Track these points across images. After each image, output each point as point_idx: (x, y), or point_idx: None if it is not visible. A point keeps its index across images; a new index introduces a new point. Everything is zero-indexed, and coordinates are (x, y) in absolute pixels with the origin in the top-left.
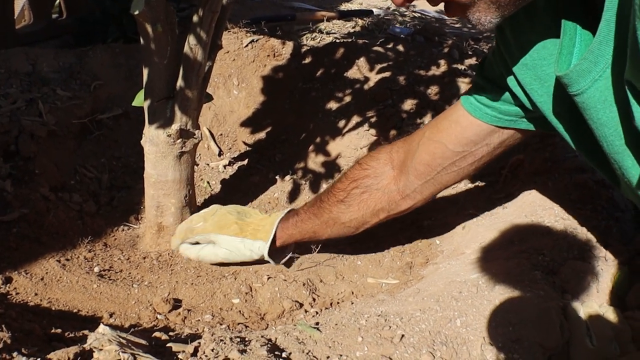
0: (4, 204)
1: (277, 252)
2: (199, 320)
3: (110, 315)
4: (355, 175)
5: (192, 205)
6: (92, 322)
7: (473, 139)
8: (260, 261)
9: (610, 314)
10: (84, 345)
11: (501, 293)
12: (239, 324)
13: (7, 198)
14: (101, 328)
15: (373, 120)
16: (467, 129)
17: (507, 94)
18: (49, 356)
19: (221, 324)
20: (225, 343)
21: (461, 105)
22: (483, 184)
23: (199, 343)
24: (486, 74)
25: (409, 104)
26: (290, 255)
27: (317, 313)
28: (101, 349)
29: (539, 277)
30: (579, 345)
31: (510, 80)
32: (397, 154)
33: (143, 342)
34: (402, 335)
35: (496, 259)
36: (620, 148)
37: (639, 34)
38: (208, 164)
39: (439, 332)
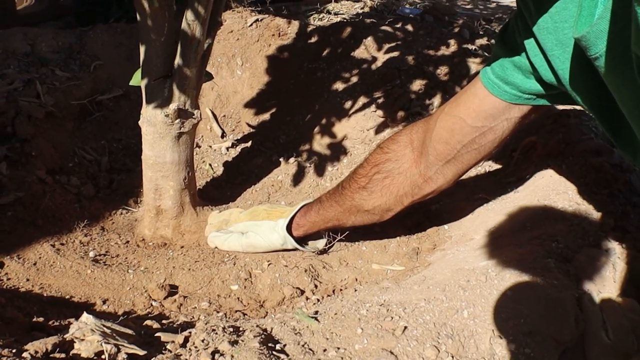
0: (0, 187)
1: (306, 240)
2: (195, 307)
3: (104, 302)
4: (377, 160)
5: (191, 188)
6: (85, 308)
7: (492, 112)
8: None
9: (628, 305)
10: (65, 336)
11: (512, 282)
12: (236, 311)
13: (3, 181)
14: (84, 317)
15: (380, 101)
16: (485, 102)
17: (527, 64)
18: (25, 347)
19: (218, 312)
20: (216, 333)
21: (480, 80)
22: (493, 167)
23: (190, 333)
24: (507, 42)
25: (417, 85)
26: (325, 241)
27: (318, 300)
28: (83, 339)
29: (553, 265)
30: (595, 339)
31: (531, 49)
32: (417, 135)
33: (129, 332)
34: (405, 327)
35: (507, 246)
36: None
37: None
38: (210, 146)
39: (445, 324)
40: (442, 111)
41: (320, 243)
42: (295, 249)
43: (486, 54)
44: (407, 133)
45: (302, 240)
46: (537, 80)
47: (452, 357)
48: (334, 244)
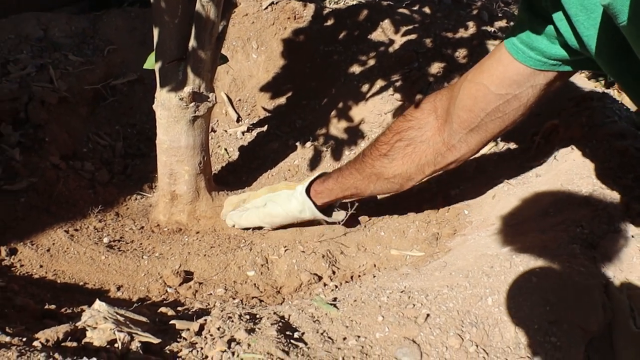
0: (13, 173)
1: (326, 211)
2: (211, 294)
3: (118, 288)
4: (399, 127)
5: (206, 173)
6: (99, 295)
7: (516, 79)
8: (312, 222)
9: None
10: (77, 324)
11: (537, 269)
12: (253, 298)
13: (16, 167)
14: (97, 304)
15: (398, 84)
16: (509, 69)
17: (552, 30)
18: (36, 335)
19: (234, 298)
20: (233, 321)
21: (504, 46)
22: (514, 150)
23: (205, 320)
24: (532, 5)
25: (436, 68)
26: (344, 213)
27: (336, 287)
28: (95, 328)
29: (578, 252)
30: (623, 328)
31: (557, 14)
32: (441, 102)
33: (143, 319)
34: (427, 315)
35: (530, 231)
36: None
37: None
38: (226, 131)
39: (469, 312)
40: (465, 78)
41: (340, 215)
42: (314, 219)
43: (504, 37)
44: (431, 100)
45: (320, 211)
46: (562, 45)
47: (477, 346)
48: (355, 208)
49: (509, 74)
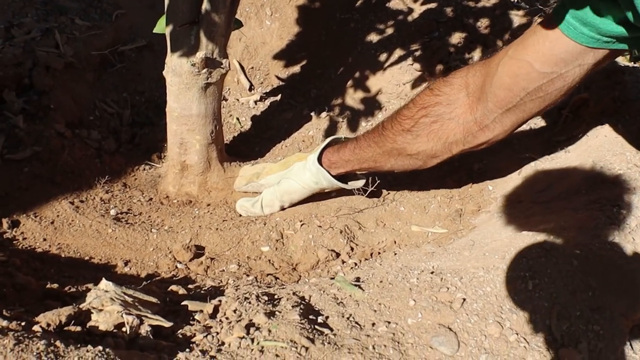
0: (16, 141)
1: (342, 179)
2: (224, 270)
3: (125, 264)
4: (425, 102)
5: (218, 143)
6: (105, 271)
7: (564, 57)
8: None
9: None
10: (81, 305)
11: (577, 251)
12: (268, 275)
13: (20, 135)
14: (103, 284)
15: (417, 54)
16: (557, 46)
17: (609, 4)
18: (36, 319)
19: (248, 275)
20: (250, 302)
21: (553, 20)
22: (540, 124)
23: (220, 301)
24: None
25: (456, 37)
26: (364, 181)
27: (355, 264)
28: (101, 310)
29: (617, 233)
30: None
31: None
32: (474, 78)
33: (153, 300)
34: (464, 300)
35: (562, 210)
36: None
37: None
38: (238, 99)
39: (507, 297)
40: (505, 54)
41: (360, 183)
42: (332, 188)
43: (528, 7)
44: (463, 76)
45: (337, 179)
46: (620, 21)
47: (517, 334)
48: (376, 184)
49: (556, 51)
